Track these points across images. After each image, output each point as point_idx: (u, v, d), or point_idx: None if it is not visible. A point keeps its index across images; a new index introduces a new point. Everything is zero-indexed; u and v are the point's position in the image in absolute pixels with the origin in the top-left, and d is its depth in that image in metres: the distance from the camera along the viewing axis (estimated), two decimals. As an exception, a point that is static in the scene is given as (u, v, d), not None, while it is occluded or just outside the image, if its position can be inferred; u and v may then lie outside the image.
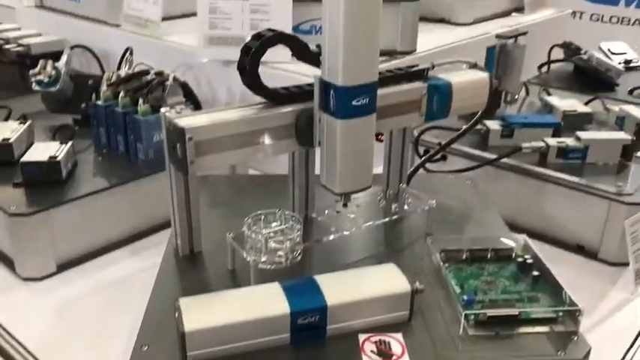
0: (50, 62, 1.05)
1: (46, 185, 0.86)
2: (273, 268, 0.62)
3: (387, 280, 0.58)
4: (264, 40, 0.62)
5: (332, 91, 0.62)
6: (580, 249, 0.91)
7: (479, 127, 1.03)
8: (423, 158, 0.89)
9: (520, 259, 0.65)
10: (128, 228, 0.91)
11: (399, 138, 0.80)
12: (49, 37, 1.32)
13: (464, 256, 0.67)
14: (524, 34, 1.09)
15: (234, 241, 0.63)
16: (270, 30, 0.63)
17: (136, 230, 0.91)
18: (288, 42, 0.64)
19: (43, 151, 0.88)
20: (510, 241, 0.69)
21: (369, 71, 0.62)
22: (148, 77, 0.97)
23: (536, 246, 0.90)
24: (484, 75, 0.78)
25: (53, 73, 1.04)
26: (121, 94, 0.94)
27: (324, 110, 0.64)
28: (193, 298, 0.55)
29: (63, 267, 0.84)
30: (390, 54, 1.16)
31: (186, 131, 0.59)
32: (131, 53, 1.11)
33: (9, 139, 0.92)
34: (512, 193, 0.96)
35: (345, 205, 0.67)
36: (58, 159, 0.86)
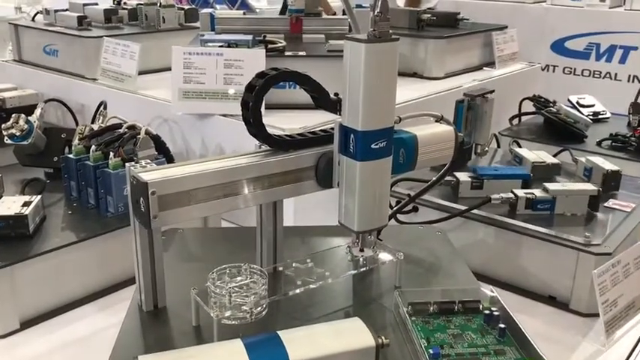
0: (23, 116, 1.05)
1: (13, 240, 0.85)
2: (237, 323, 0.61)
3: (352, 335, 0.57)
4: (269, 78, 0.65)
5: (352, 135, 0.65)
6: (551, 300, 0.91)
7: (450, 178, 1.04)
8: (393, 209, 0.89)
9: (487, 312, 0.65)
10: (96, 283, 0.89)
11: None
12: (25, 90, 1.33)
13: (431, 309, 0.66)
14: (491, 92, 1.11)
15: (197, 297, 0.62)
16: (273, 69, 0.66)
17: (104, 285, 0.90)
18: (306, 84, 0.68)
19: (10, 205, 0.88)
20: (482, 292, 0.69)
21: (386, 116, 0.66)
22: (120, 130, 0.98)
23: (507, 297, 0.92)
24: (449, 128, 0.80)
25: (26, 126, 1.04)
26: (92, 147, 0.94)
27: (344, 153, 0.67)
28: (153, 356, 0.54)
29: (27, 324, 0.83)
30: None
31: (149, 185, 0.59)
32: (105, 107, 1.12)
33: (-24, 193, 0.91)
34: (482, 244, 0.96)
35: (361, 250, 0.72)
36: (25, 213, 0.85)
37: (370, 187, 0.67)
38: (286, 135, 0.70)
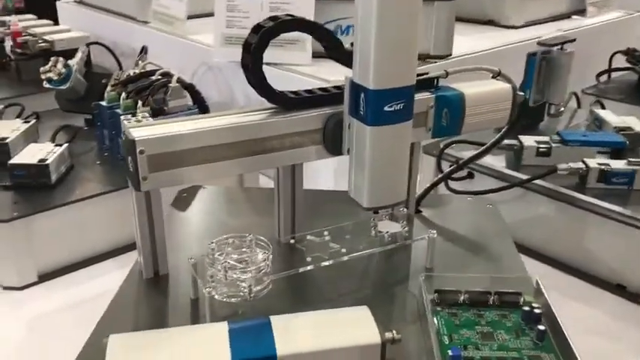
0: (61, 59, 1.01)
1: (35, 189, 0.82)
2: (234, 301, 0.54)
3: (355, 328, 0.49)
4: (264, 32, 0.55)
5: (362, 95, 0.54)
6: (620, 289, 0.79)
7: (513, 142, 0.92)
8: (437, 177, 0.78)
9: (526, 308, 0.55)
10: (119, 238, 0.85)
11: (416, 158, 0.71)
12: (75, 33, 1.30)
13: (461, 299, 0.57)
14: (571, 41, 0.96)
15: (193, 268, 0.56)
16: (270, 19, 0.57)
17: (127, 241, 0.85)
18: (314, 32, 0.59)
19: (35, 152, 0.84)
20: (526, 282, 0.59)
21: (405, 73, 0.54)
22: (153, 78, 0.92)
23: (568, 282, 0.81)
24: (506, 86, 0.68)
25: (63, 70, 1.00)
26: (123, 95, 0.89)
27: (354, 115, 0.57)
28: (126, 337, 0.48)
29: (45, 277, 0.80)
30: (421, 58, 1.06)
31: (137, 143, 0.52)
32: (145, 52, 1.06)
33: (6, 138, 0.88)
34: (544, 220, 0.85)
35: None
36: (47, 162, 0.81)
37: (383, 156, 0.56)
38: (291, 92, 0.61)
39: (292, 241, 0.61)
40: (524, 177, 0.85)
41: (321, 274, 0.60)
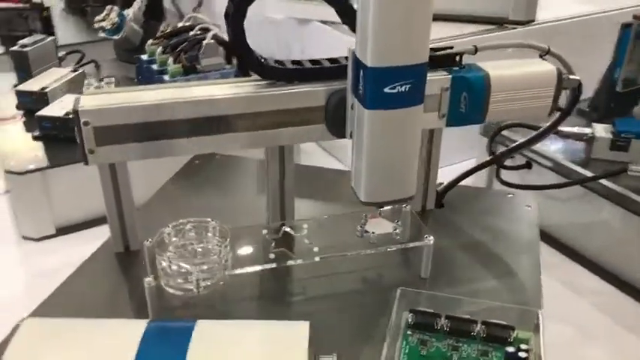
0: (116, 9, 0.99)
1: (62, 142, 0.81)
2: (181, 294, 0.49)
3: (281, 348, 0.42)
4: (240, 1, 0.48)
5: (362, 72, 0.47)
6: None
7: (586, 131, 0.78)
8: (468, 170, 0.67)
9: (511, 349, 0.45)
10: (140, 197, 0.83)
11: (423, 142, 0.61)
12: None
13: (439, 324, 0.48)
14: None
15: (148, 252, 0.51)
16: None
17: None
18: None
19: (66, 105, 0.84)
20: (528, 315, 0.48)
21: (413, 48, 0.45)
22: (191, 33, 0.87)
23: (622, 302, 0.68)
24: (550, 68, 0.55)
25: (117, 20, 0.99)
26: (158, 49, 0.85)
27: (356, 95, 0.49)
28: (40, 322, 0.45)
29: (63, 231, 0.80)
30: (498, 22, 0.93)
31: (80, 114, 0.48)
32: (200, 4, 1.02)
33: (46, 87, 0.88)
34: (604, 228, 0.71)
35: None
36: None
37: (384, 145, 0.48)
38: (293, 61, 0.53)
39: (264, 231, 0.54)
40: (589, 174, 0.72)
41: (292, 271, 0.54)
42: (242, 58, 0.50)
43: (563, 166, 0.74)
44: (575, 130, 0.77)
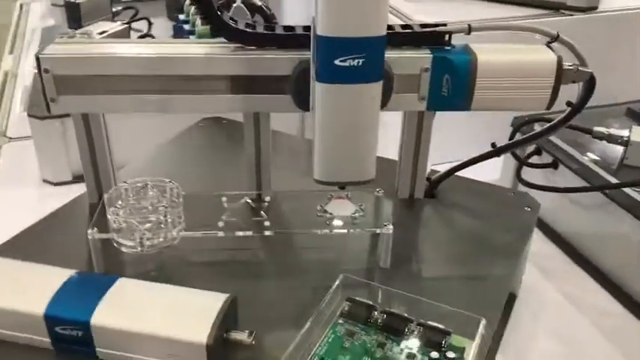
0: (167, -33, 1.00)
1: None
2: (125, 251, 0.49)
3: (190, 319, 0.41)
4: None
5: (314, 42, 0.45)
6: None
7: (620, 133, 0.70)
8: (468, 159, 0.62)
9: (436, 354, 0.41)
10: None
11: (412, 126, 0.57)
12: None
13: (373, 317, 0.45)
14: None
15: (105, 204, 0.51)
16: None
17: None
18: None
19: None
20: (472, 321, 0.44)
21: (366, 19, 0.42)
22: (226, -6, 0.86)
23: (632, 326, 0.61)
24: (550, 57, 0.50)
25: (167, -22, 0.99)
26: (192, 9, 0.85)
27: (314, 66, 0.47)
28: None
29: (79, 178, 0.82)
30: (554, 8, 0.85)
31: (41, 61, 0.48)
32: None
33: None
34: (622, 242, 0.64)
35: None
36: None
37: (337, 122, 0.46)
38: (266, 25, 0.51)
39: (224, 199, 0.53)
40: (614, 180, 0.64)
41: (244, 242, 0.52)
42: (207, 17, 0.49)
43: (588, 170, 0.67)
44: (611, 131, 0.69)
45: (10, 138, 0.94)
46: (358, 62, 0.43)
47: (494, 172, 0.79)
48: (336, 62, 0.43)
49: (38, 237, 0.55)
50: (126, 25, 0.98)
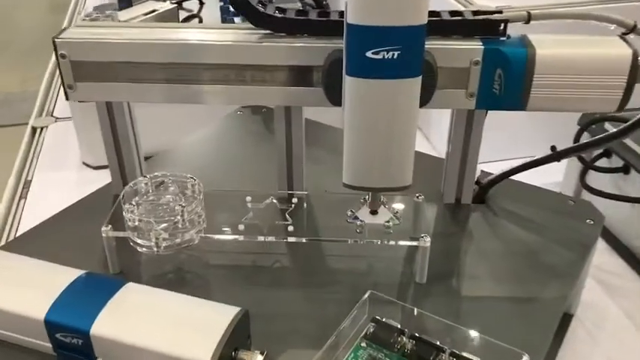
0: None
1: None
2: (142, 251, 0.46)
3: (195, 334, 0.37)
4: None
5: (345, 30, 0.40)
6: None
7: None
8: (525, 163, 0.55)
9: (466, 395, 0.36)
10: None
11: (460, 124, 0.51)
12: None
13: (400, 343, 0.40)
14: None
15: (120, 201, 0.48)
16: None
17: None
18: None
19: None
20: (512, 354, 0.39)
21: (403, 5, 0.36)
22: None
23: None
24: (625, 52, 0.43)
25: (218, -43, 0.96)
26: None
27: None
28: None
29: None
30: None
31: (57, 45, 0.45)
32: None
33: (132, 19, 0.88)
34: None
35: (374, 212, 0.47)
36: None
37: (366, 121, 0.40)
38: (298, 10, 0.46)
39: (248, 199, 0.49)
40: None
41: (267, 247, 0.48)
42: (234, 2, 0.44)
43: (665, 177, 0.59)
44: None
45: (57, 118, 0.94)
46: (393, 55, 0.37)
47: (555, 174, 0.72)
48: (368, 54, 0.37)
49: (58, 229, 0.53)
50: (174, 5, 0.96)
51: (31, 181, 0.79)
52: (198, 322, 0.38)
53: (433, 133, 0.82)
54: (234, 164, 0.61)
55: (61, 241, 0.51)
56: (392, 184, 0.43)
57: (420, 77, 0.39)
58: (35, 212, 0.71)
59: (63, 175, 0.81)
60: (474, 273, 0.48)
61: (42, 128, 0.91)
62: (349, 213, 0.47)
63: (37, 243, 0.51)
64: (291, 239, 0.45)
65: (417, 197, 0.48)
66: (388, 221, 0.46)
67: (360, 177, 0.43)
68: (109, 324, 0.38)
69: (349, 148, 0.42)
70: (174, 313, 0.39)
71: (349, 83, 0.39)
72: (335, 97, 0.44)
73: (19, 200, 0.75)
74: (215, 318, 0.38)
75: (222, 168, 0.60)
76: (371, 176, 0.43)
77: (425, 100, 0.43)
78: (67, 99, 0.48)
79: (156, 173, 0.49)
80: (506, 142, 0.76)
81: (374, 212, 0.46)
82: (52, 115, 0.95)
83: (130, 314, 0.39)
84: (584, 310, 0.57)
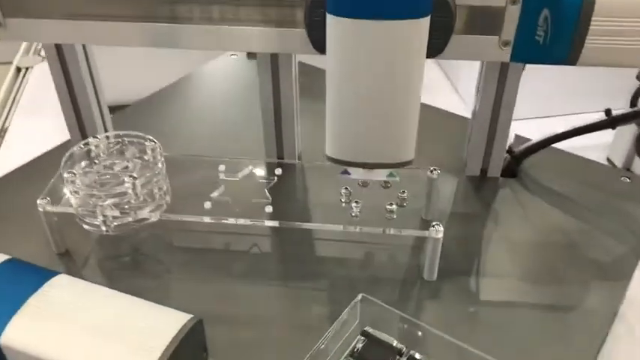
0: None
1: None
2: (88, 228, 0.38)
3: (133, 347, 0.29)
4: None
5: None
6: None
7: None
8: (568, 130, 0.44)
9: None
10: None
11: (490, 81, 0.40)
12: None
13: (391, 364, 0.31)
14: None
15: (65, 165, 0.40)
16: None
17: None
18: None
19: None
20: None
21: None
22: None
23: None
24: None
25: None
26: None
27: None
28: None
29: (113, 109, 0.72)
30: None
31: (-24, -30, 0.36)
32: None
33: None
34: None
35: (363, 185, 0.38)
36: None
37: (355, 76, 0.30)
38: None
39: (221, 168, 0.40)
40: None
41: (241, 229, 0.39)
42: None
43: None
44: None
45: (44, 58, 0.85)
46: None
47: (603, 136, 0.61)
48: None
49: (6, 192, 0.45)
50: None
51: (7, 128, 0.71)
52: (137, 333, 0.30)
53: (463, 80, 0.70)
54: (214, 123, 0.52)
55: (4, 210, 0.43)
56: (389, 159, 0.33)
57: (429, 18, 0.29)
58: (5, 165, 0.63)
59: (40, 124, 0.72)
60: (499, 270, 0.38)
61: (27, 69, 0.82)
62: (344, 191, 0.38)
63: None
64: (268, 223, 0.36)
65: (432, 172, 0.39)
66: (391, 204, 0.37)
67: (347, 149, 0.33)
68: (25, 330, 0.30)
69: (333, 111, 0.32)
70: (107, 320, 0.31)
71: (331, 24, 0.29)
72: (319, 42, 0.34)
73: (-8, 147, 0.68)
74: (159, 328, 0.30)
75: (200, 127, 0.50)
76: (362, 148, 0.33)
77: (438, 49, 0.32)
78: (-3, 39, 0.38)
79: (118, 132, 0.40)
80: (546, 95, 0.64)
81: (363, 185, 0.37)
82: (39, 55, 0.86)
83: (54, 318, 0.31)
84: (627, 305, 0.48)
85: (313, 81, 0.41)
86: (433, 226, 0.35)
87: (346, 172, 0.36)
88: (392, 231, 0.35)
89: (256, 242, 0.39)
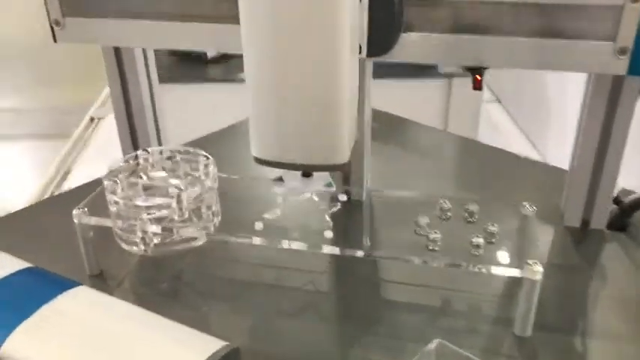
0: None
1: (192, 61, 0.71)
2: (126, 247, 0.33)
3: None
4: None
5: None
6: None
7: None
8: None
9: None
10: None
11: (597, 104, 0.35)
12: None
13: None
14: None
15: (105, 183, 0.36)
16: None
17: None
18: None
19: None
20: None
21: None
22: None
23: None
24: None
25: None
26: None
27: None
28: None
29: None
30: None
31: (42, -36, 0.34)
32: None
33: None
34: None
35: (306, 175, 0.33)
36: None
37: (271, 56, 0.26)
38: None
39: (278, 190, 0.35)
40: None
41: (297, 258, 0.34)
42: None
43: None
44: None
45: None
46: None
47: None
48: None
49: (52, 211, 0.41)
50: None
51: (68, 172, 0.70)
52: (151, 358, 0.24)
53: (542, 136, 0.64)
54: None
55: (40, 232, 0.39)
56: (318, 160, 0.27)
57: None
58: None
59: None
60: (606, 330, 0.31)
61: (99, 119, 0.83)
62: (420, 221, 0.32)
63: (13, 230, 0.40)
64: (326, 249, 0.31)
65: (526, 207, 0.32)
66: (477, 237, 0.30)
67: (273, 147, 0.27)
68: (30, 341, 0.25)
69: (255, 101, 0.27)
70: (121, 341, 0.25)
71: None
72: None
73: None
74: (181, 356, 0.24)
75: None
76: (288, 146, 0.27)
77: (382, 47, 0.28)
78: (55, 41, 0.36)
79: (171, 146, 0.36)
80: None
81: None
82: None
83: (58, 333, 0.26)
84: None
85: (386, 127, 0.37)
86: (530, 264, 0.28)
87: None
88: (478, 268, 0.29)
89: (312, 279, 0.34)
